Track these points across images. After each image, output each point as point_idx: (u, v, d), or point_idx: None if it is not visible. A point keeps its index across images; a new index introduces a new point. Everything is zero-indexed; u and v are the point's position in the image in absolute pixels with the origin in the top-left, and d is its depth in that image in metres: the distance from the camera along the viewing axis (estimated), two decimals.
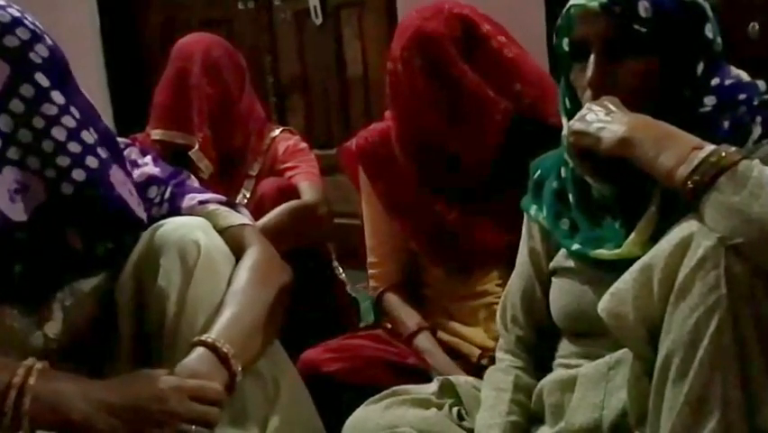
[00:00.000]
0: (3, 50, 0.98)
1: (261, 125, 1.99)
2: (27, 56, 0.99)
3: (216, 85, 1.87)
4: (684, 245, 0.86)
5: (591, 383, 0.99)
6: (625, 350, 0.94)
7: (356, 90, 2.94)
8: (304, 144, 1.99)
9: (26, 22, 1.01)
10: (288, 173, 1.90)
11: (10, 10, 1.00)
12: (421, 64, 1.42)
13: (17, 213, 0.99)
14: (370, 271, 1.61)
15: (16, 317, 1.04)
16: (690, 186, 0.87)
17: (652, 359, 0.89)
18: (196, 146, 1.84)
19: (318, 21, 2.91)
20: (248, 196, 1.88)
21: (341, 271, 1.99)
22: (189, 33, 2.03)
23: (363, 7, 2.84)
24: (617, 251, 0.98)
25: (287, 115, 3.06)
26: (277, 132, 1.99)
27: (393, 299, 1.56)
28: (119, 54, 3.30)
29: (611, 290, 0.91)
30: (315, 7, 2.89)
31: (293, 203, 1.81)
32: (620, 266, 0.94)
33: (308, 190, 1.86)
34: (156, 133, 1.88)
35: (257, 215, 1.69)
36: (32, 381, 0.90)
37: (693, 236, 0.85)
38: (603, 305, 0.91)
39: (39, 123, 1.00)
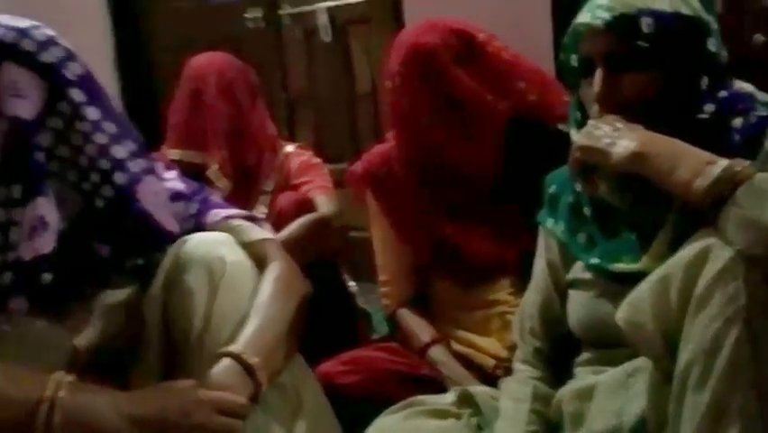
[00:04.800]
0: (40, 66, 1.02)
1: (274, 142, 2.01)
2: (63, 73, 1.03)
3: (231, 104, 1.90)
4: (703, 257, 0.87)
5: (610, 391, 1.00)
6: (644, 358, 0.96)
7: (365, 105, 2.95)
8: (317, 159, 2.02)
9: (60, 41, 1.05)
10: (304, 188, 1.93)
11: (44, 30, 1.04)
12: (418, 77, 1.45)
13: (58, 221, 1.02)
14: (381, 290, 1.62)
15: (45, 328, 1.06)
16: (709, 200, 0.89)
17: (669, 368, 0.90)
18: (215, 165, 1.87)
19: (327, 38, 2.94)
20: (265, 211, 1.90)
21: (351, 284, 2.01)
22: (200, 51, 2.05)
23: (371, 25, 2.87)
24: (635, 265, 1.00)
25: (296, 130, 3.08)
26: (290, 148, 2.02)
27: (406, 315, 1.57)
28: (131, 72, 3.34)
29: (628, 299, 0.92)
30: (324, 25, 2.92)
31: (311, 216, 1.84)
32: (637, 278, 0.96)
33: (324, 203, 1.89)
34: (173, 153, 1.91)
35: (276, 229, 1.71)
36: (62, 394, 0.91)
37: (712, 248, 0.87)
38: (621, 314, 0.92)
39: (75, 139, 1.03)
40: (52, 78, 1.02)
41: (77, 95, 1.04)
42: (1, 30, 1.01)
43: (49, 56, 1.03)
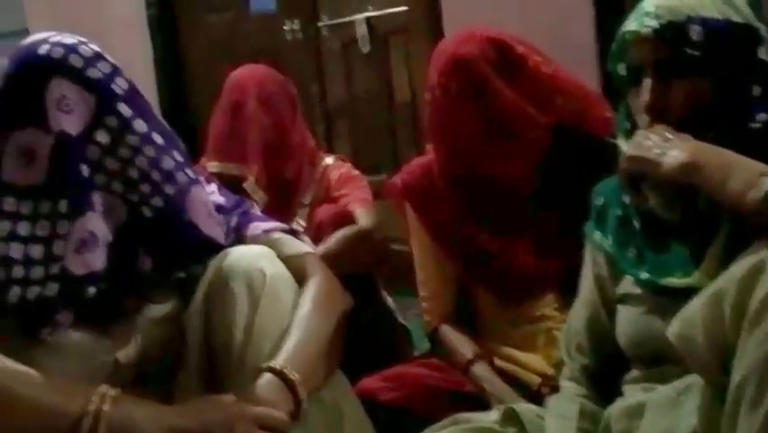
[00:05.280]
0: (87, 81, 1.04)
1: (313, 154, 2.02)
2: (110, 87, 1.05)
3: (270, 117, 1.92)
4: (757, 271, 0.85)
5: (661, 409, 0.98)
6: (695, 375, 0.93)
7: (403, 116, 2.96)
8: (356, 171, 2.03)
9: (106, 56, 1.07)
10: (343, 200, 1.93)
11: (91, 45, 1.07)
12: (458, 87, 1.44)
13: (106, 234, 1.04)
14: (422, 305, 1.61)
15: (89, 341, 1.07)
16: (763, 212, 0.86)
17: (722, 384, 0.88)
18: (251, 178, 1.88)
19: (366, 49, 2.95)
20: (303, 224, 1.91)
21: (388, 299, 2.00)
22: (239, 63, 2.08)
23: (410, 35, 2.87)
24: (687, 280, 0.98)
25: (334, 141, 3.09)
26: (329, 160, 2.03)
27: (448, 331, 1.55)
28: (170, 85, 3.39)
29: (680, 314, 0.90)
30: (362, 36, 2.93)
31: (350, 228, 1.84)
32: (688, 293, 0.93)
33: (364, 216, 1.88)
34: (212, 166, 1.93)
35: (315, 241, 1.71)
36: (106, 407, 0.92)
37: (766, 262, 0.85)
38: (672, 329, 0.90)
39: (124, 152, 1.05)
40: (100, 92, 1.04)
41: (124, 109, 1.05)
42: (49, 46, 1.04)
43: (96, 71, 1.04)
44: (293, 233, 1.23)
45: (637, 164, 0.97)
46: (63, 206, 1.01)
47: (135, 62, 3.01)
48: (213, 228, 1.12)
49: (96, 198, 1.04)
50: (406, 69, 2.90)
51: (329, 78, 3.12)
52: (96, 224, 1.03)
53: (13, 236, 1.00)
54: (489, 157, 1.47)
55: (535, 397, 1.39)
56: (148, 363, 1.12)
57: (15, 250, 1.00)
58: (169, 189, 1.07)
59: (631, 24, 1.03)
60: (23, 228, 1.00)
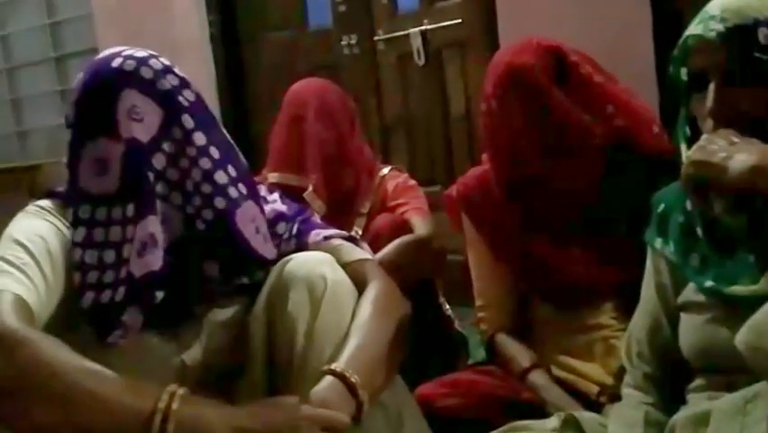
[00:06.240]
0: (156, 93, 1.08)
1: (371, 165, 2.04)
2: (177, 99, 1.09)
3: (329, 129, 1.94)
4: None
5: (727, 418, 0.95)
6: (763, 383, 0.91)
7: (459, 128, 2.96)
8: (413, 182, 2.04)
9: (175, 70, 1.11)
10: (400, 209, 1.94)
11: (161, 59, 1.11)
12: (515, 97, 1.44)
13: (164, 238, 1.08)
14: (479, 315, 1.61)
15: (157, 344, 1.11)
16: None
17: None
18: (310, 188, 1.91)
19: (421, 62, 2.97)
20: (360, 233, 1.92)
21: (447, 307, 2.00)
22: (298, 78, 2.11)
23: (465, 47, 2.88)
24: (754, 287, 0.96)
25: (390, 153, 3.11)
26: (386, 170, 2.05)
27: (505, 340, 1.55)
28: (232, 99, 3.47)
29: (749, 322, 0.88)
30: (417, 49, 2.95)
31: (408, 237, 1.85)
32: (754, 300, 0.91)
33: (421, 225, 1.89)
34: (273, 176, 1.96)
35: (373, 250, 1.72)
36: (175, 405, 0.94)
37: None
38: (741, 337, 0.88)
39: (184, 163, 1.09)
40: (168, 104, 1.08)
41: (188, 120, 1.10)
42: (121, 59, 1.08)
43: (165, 83, 1.09)
44: (352, 240, 1.24)
45: (702, 169, 0.95)
46: (130, 210, 1.05)
47: (198, 80, 3.07)
48: (259, 244, 1.14)
49: (158, 205, 1.08)
50: (462, 81, 2.91)
51: (385, 91, 3.14)
52: (156, 226, 1.06)
53: (88, 242, 1.05)
54: (545, 166, 1.46)
55: (593, 407, 1.37)
56: (213, 366, 1.14)
57: (90, 255, 1.04)
58: (219, 203, 1.10)
59: (695, 28, 1.01)
60: (98, 234, 1.05)
